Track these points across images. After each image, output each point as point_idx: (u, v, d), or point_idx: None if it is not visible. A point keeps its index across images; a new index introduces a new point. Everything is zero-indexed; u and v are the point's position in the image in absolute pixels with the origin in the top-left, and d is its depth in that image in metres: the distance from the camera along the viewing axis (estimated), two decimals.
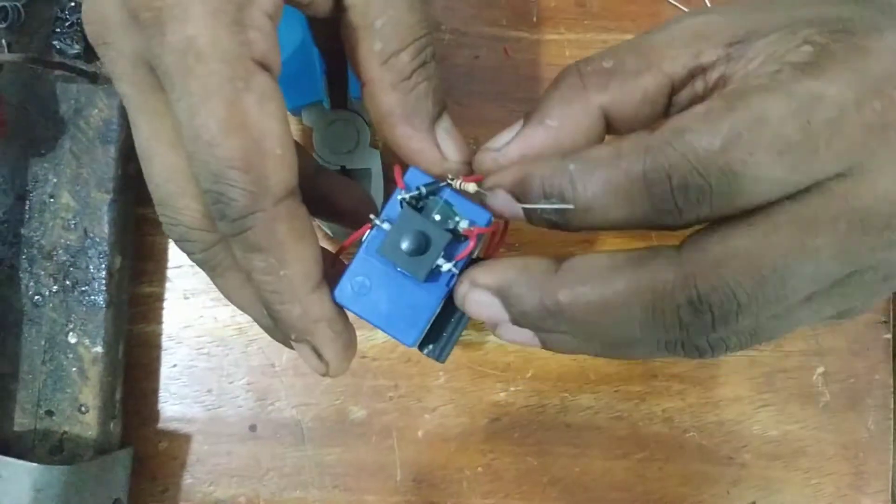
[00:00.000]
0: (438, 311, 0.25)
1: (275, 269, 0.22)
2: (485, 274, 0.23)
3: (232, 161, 0.21)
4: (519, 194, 0.22)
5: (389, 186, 0.36)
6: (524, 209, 0.22)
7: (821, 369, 0.38)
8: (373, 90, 0.24)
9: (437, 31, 0.38)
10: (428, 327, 0.25)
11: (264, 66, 0.22)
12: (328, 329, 0.24)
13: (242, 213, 0.21)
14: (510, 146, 0.24)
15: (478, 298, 0.23)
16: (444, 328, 0.25)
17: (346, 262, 0.25)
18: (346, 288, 0.24)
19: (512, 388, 0.38)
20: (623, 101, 0.23)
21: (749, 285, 0.19)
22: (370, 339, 0.38)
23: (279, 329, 0.25)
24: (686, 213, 0.20)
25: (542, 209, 0.22)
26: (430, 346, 0.25)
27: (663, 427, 0.38)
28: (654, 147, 0.20)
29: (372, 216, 0.24)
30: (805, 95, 0.19)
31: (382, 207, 0.24)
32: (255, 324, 0.37)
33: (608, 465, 0.37)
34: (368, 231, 0.24)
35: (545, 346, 0.24)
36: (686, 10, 0.38)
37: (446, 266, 0.23)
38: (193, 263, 0.25)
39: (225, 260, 0.24)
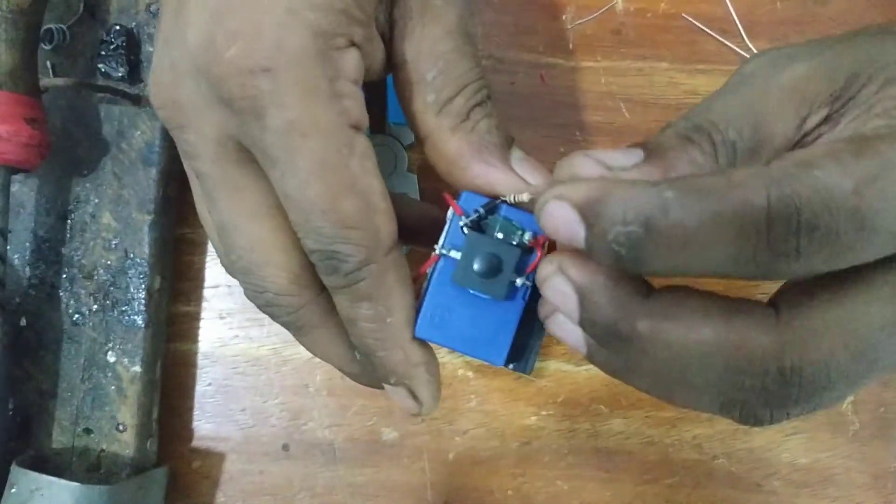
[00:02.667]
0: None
1: (381, 317, 0.23)
2: (575, 267, 0.21)
3: (347, 221, 0.22)
4: (589, 214, 0.19)
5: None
6: (589, 234, 0.19)
7: (850, 398, 0.38)
8: (434, 140, 0.24)
9: None
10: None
11: (358, 128, 0.22)
12: (425, 372, 0.25)
13: (357, 268, 0.22)
14: (629, 174, 0.21)
15: (558, 286, 0.21)
16: (523, 342, 0.25)
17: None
18: (426, 322, 0.24)
19: (543, 412, 0.38)
20: None
21: (845, 360, 0.18)
22: None
23: (375, 374, 0.25)
24: (803, 260, 0.17)
25: (616, 235, 0.18)
26: (516, 363, 0.26)
27: (693, 453, 0.38)
28: (780, 179, 0.17)
29: (436, 247, 0.24)
30: None
31: (442, 236, 0.24)
32: (290, 344, 0.38)
33: (638, 490, 0.38)
34: (435, 262, 0.24)
35: (591, 357, 0.22)
36: (721, 38, 0.38)
37: (520, 280, 0.24)
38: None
39: (312, 320, 0.25)
